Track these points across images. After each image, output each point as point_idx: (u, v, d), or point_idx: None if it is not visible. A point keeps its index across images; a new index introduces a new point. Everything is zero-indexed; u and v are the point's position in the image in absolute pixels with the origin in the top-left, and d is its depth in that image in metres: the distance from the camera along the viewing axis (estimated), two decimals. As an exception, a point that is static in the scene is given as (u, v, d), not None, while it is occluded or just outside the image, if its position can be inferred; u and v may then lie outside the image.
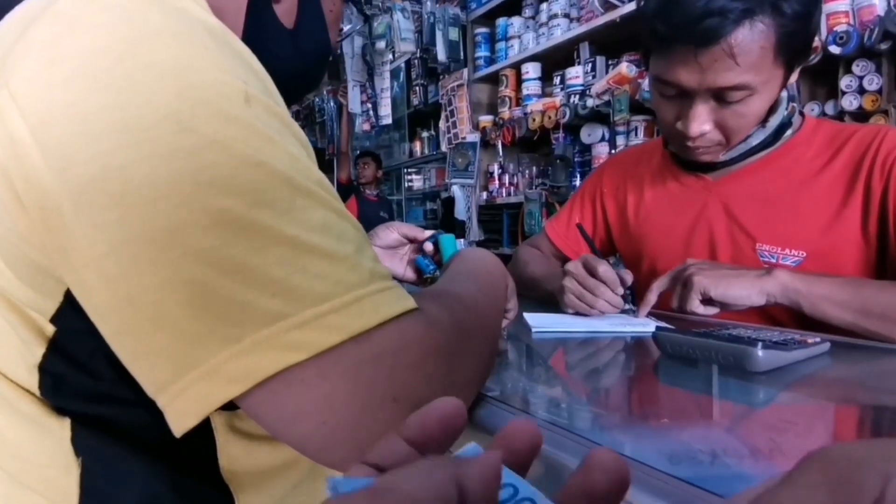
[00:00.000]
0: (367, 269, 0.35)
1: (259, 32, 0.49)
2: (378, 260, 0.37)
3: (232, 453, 0.43)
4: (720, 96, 0.79)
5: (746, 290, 0.73)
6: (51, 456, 0.39)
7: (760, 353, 0.52)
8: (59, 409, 0.39)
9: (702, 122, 0.82)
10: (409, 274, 0.83)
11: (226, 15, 0.45)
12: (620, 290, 0.80)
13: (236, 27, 0.47)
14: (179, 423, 0.31)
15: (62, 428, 0.39)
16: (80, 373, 0.38)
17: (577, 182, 2.58)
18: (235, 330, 0.30)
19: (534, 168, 3.04)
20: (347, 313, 0.32)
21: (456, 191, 3.43)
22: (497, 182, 3.19)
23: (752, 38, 0.73)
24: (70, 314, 0.35)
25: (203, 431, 0.40)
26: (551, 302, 0.88)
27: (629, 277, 0.81)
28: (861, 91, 1.64)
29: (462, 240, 3.41)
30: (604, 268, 0.81)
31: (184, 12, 0.35)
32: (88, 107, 0.30)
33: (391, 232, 0.82)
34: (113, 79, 0.30)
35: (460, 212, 3.42)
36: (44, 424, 0.39)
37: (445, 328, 0.37)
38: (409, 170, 4.85)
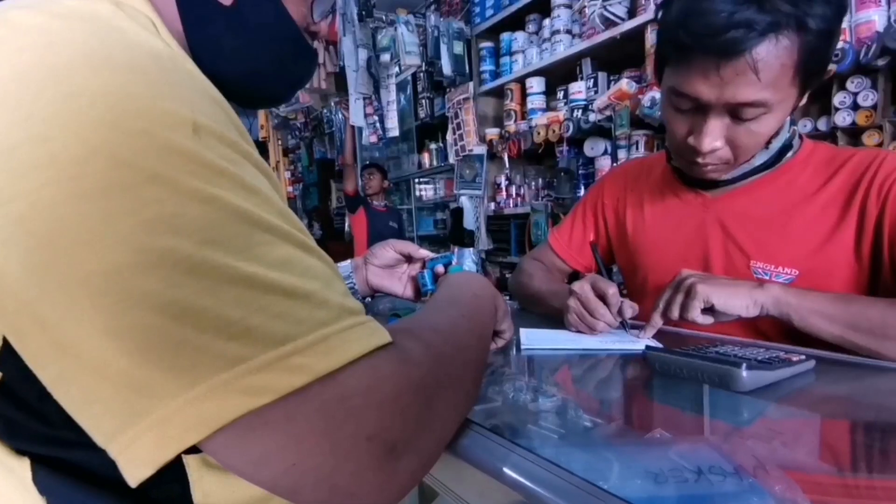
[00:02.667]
0: (335, 304, 0.33)
1: (191, 13, 0.45)
2: (349, 295, 0.36)
3: (207, 489, 0.40)
4: (735, 113, 0.79)
5: (743, 301, 0.75)
6: (21, 494, 0.37)
7: (745, 373, 0.54)
8: (18, 450, 0.38)
9: (714, 138, 0.82)
10: (409, 292, 0.86)
11: (161, 6, 0.43)
12: (619, 319, 0.84)
13: (171, 11, 0.45)
14: (133, 473, 0.30)
15: (22, 468, 0.37)
16: (31, 417, 0.36)
17: (581, 193, 2.65)
18: (188, 376, 0.28)
19: (539, 180, 3.11)
20: (312, 353, 0.30)
21: (464, 201, 3.51)
22: (504, 193, 3.27)
23: (775, 53, 0.73)
24: (12, 358, 0.32)
25: (175, 468, 0.38)
26: (555, 318, 0.91)
27: (629, 311, 0.83)
28: (855, 107, 1.69)
29: (471, 249, 3.48)
30: (613, 290, 0.83)
31: (121, 34, 0.32)
32: (10, 141, 0.28)
33: (387, 250, 0.85)
34: (35, 109, 0.28)
35: (469, 222, 3.50)
36: (6, 464, 0.38)
37: (420, 361, 0.36)
38: (420, 180, 4.91)
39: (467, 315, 0.50)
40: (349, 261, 0.88)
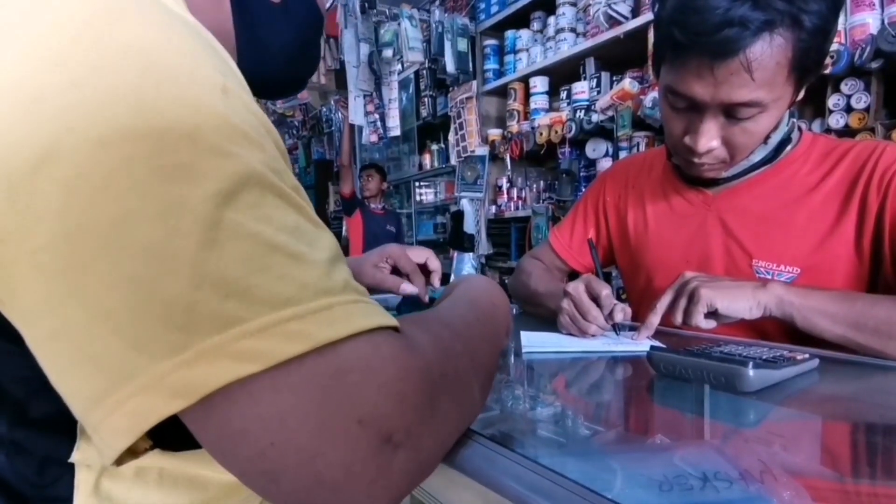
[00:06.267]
0: (341, 278, 0.33)
1: (246, 14, 0.49)
2: (352, 276, 0.35)
3: None
4: (731, 112, 0.82)
5: (746, 303, 0.77)
6: None
7: (751, 373, 0.55)
8: None
9: (710, 138, 0.85)
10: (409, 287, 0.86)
11: (207, 7, 0.46)
12: (610, 322, 0.86)
13: (221, 13, 0.48)
14: (112, 442, 0.29)
15: None
16: None
17: (583, 196, 2.77)
18: (181, 336, 0.28)
19: (541, 182, 3.24)
20: (314, 320, 0.30)
21: (465, 204, 3.63)
22: (505, 196, 3.40)
23: (769, 52, 0.75)
24: None
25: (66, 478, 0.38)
26: (554, 320, 0.92)
27: (620, 315, 0.85)
28: (848, 109, 1.82)
29: (471, 254, 3.60)
30: (606, 292, 0.85)
31: (156, 2, 0.34)
32: (38, 85, 0.29)
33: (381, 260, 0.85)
34: (68, 57, 0.29)
35: (469, 225, 3.61)
36: None
37: (427, 351, 0.36)
38: (421, 183, 5.01)
39: (482, 319, 0.50)
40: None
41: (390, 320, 0.34)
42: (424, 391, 0.33)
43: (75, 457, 0.38)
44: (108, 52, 0.30)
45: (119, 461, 0.31)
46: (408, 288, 0.84)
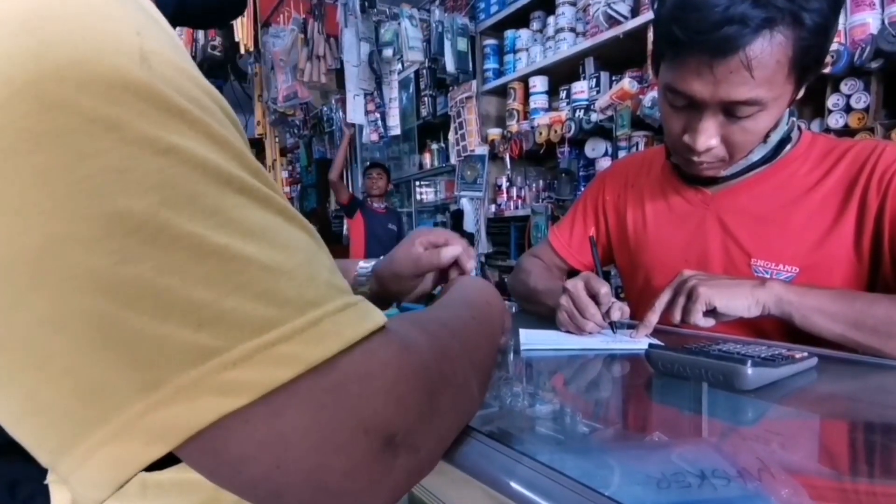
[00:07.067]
0: (323, 282, 0.30)
1: None
2: (336, 271, 0.33)
3: None
4: (730, 111, 0.82)
5: (745, 301, 0.77)
6: None
7: (749, 371, 0.56)
8: None
9: (709, 137, 0.85)
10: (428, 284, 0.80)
11: None
12: (607, 321, 0.86)
13: None
14: (91, 494, 0.26)
15: None
16: None
17: (583, 196, 2.77)
18: (151, 373, 0.25)
19: (540, 181, 3.25)
20: (302, 340, 0.27)
21: (465, 203, 3.64)
22: (505, 195, 3.40)
23: (770, 50, 0.75)
24: None
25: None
26: (553, 318, 0.92)
27: (617, 314, 0.85)
28: (848, 109, 1.82)
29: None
30: (605, 290, 0.85)
31: None
32: None
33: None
34: None
35: (469, 224, 3.62)
36: None
37: (423, 350, 0.35)
38: (421, 182, 5.02)
39: (478, 318, 0.50)
40: (370, 262, 0.81)
41: (379, 319, 0.32)
42: (423, 391, 0.32)
43: (50, 478, 0.36)
44: (2, 26, 0.25)
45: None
46: (449, 252, 0.73)
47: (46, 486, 0.36)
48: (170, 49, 0.28)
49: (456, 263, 0.73)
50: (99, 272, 0.24)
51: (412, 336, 0.35)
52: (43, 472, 0.35)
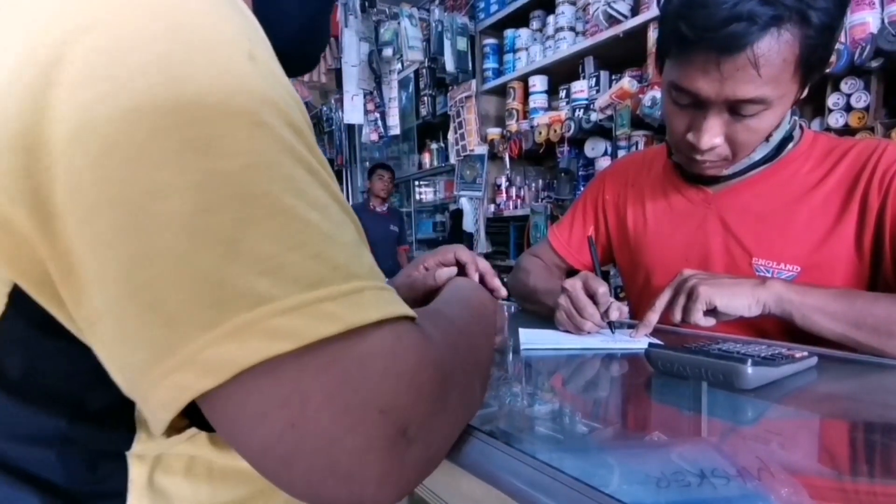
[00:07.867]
0: (367, 262, 0.33)
1: None
2: (375, 262, 0.35)
3: None
4: (735, 109, 0.82)
5: (746, 300, 0.76)
6: None
7: (749, 370, 0.56)
8: None
9: (713, 136, 0.85)
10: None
11: None
12: (606, 320, 0.85)
13: None
14: (159, 414, 0.30)
15: None
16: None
17: (582, 195, 2.77)
18: (214, 312, 0.27)
19: (539, 181, 3.24)
20: (346, 303, 0.29)
21: (464, 203, 3.65)
22: (504, 195, 3.40)
23: (777, 48, 0.75)
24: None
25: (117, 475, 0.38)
26: (551, 317, 0.92)
27: (615, 314, 0.85)
28: (848, 108, 1.82)
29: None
30: (603, 290, 0.85)
31: None
32: (70, 49, 0.28)
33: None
34: (94, 18, 0.29)
35: (468, 224, 3.62)
36: None
37: (439, 344, 0.36)
38: (420, 182, 5.03)
39: (477, 318, 0.51)
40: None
41: (410, 311, 0.34)
42: (439, 384, 0.34)
43: (136, 448, 0.38)
44: (136, 15, 0.29)
45: (168, 433, 0.32)
46: (444, 273, 0.73)
47: (125, 465, 0.38)
48: (266, 55, 0.34)
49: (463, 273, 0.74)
50: (186, 216, 0.27)
51: (429, 330, 0.36)
52: (123, 445, 0.38)
